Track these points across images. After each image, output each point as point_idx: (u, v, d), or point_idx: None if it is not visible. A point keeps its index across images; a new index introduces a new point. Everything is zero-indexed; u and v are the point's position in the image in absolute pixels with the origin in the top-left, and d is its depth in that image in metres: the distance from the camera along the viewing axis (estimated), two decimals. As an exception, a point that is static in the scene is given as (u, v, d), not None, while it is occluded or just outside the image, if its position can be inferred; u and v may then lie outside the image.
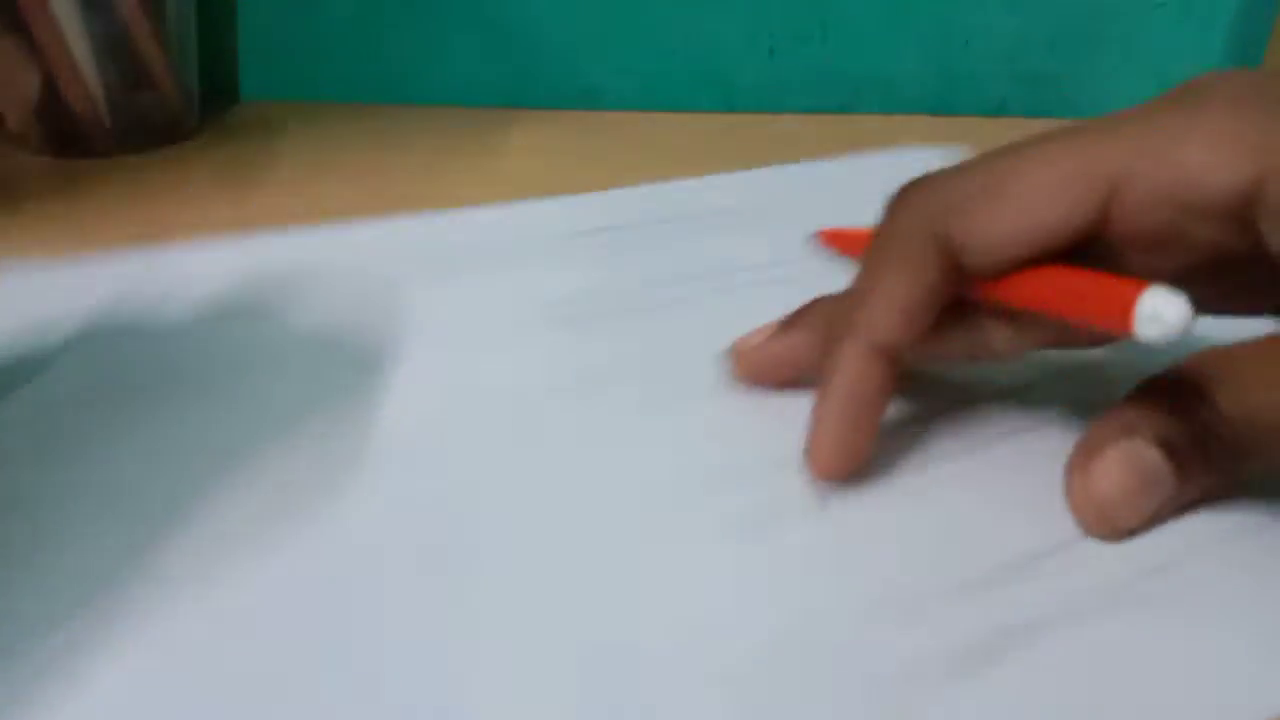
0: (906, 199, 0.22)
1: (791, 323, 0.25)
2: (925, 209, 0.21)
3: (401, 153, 0.42)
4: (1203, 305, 0.18)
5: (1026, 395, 0.25)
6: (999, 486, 0.22)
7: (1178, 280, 0.18)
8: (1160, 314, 0.17)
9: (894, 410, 0.24)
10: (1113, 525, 0.21)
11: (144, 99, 0.42)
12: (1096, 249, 0.20)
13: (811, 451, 0.22)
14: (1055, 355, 0.25)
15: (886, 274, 0.21)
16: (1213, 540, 0.20)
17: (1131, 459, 0.20)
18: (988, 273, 0.21)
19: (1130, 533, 0.21)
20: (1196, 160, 0.18)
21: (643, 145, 0.46)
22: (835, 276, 0.24)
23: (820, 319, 0.24)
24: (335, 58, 0.51)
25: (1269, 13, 0.49)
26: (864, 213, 0.24)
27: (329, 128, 0.44)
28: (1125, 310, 0.18)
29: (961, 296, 0.22)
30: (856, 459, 0.22)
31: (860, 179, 0.28)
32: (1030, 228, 0.20)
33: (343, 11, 0.50)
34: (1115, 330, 0.18)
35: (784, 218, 0.35)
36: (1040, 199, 0.20)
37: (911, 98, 0.51)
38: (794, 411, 0.22)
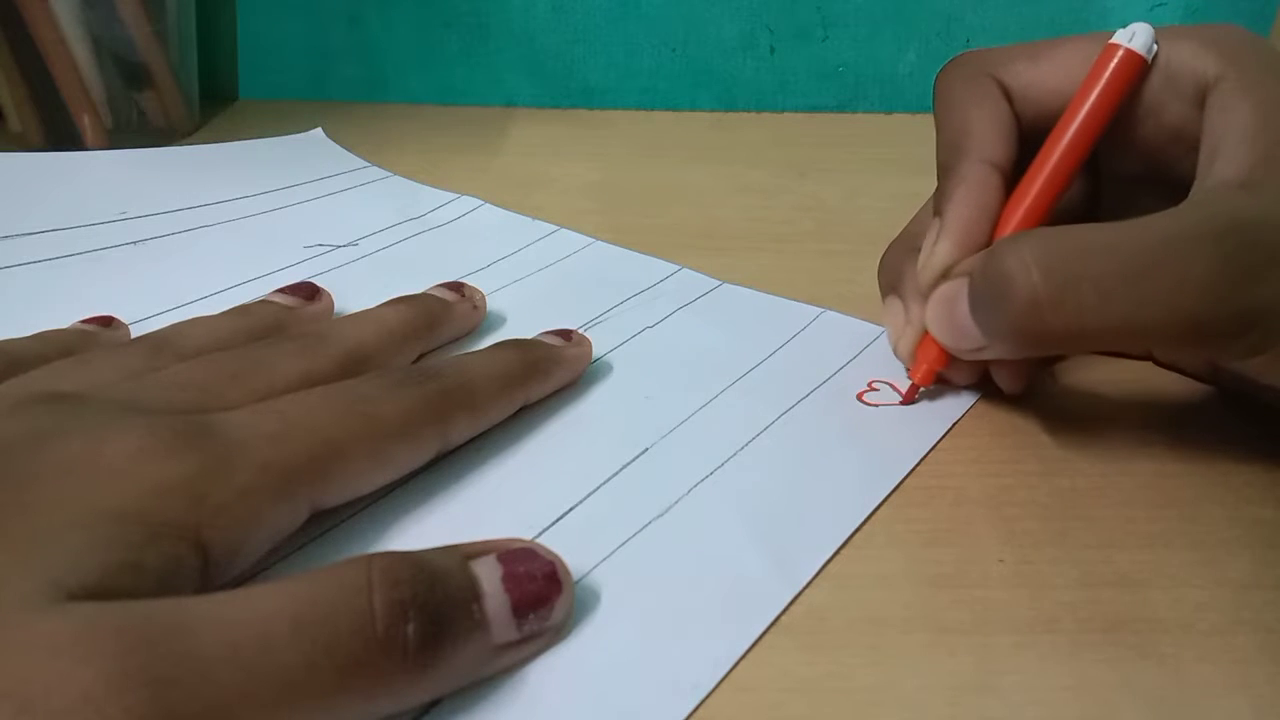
0: (958, 60, 0.26)
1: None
2: (976, 62, 0.25)
3: (399, 152, 0.42)
4: None
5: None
6: None
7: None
8: (1132, 31, 0.23)
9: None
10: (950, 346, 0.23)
11: (144, 99, 0.42)
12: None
13: (930, 255, 0.24)
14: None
15: (970, 111, 0.24)
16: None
17: (948, 297, 0.23)
18: (1025, 124, 0.24)
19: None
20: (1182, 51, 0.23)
21: (642, 144, 0.47)
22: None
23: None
24: (333, 57, 0.51)
25: (1268, 13, 0.49)
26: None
27: (327, 127, 0.44)
28: (1111, 49, 0.23)
29: None
30: (971, 249, 0.23)
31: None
32: (1067, 80, 0.24)
33: (340, 11, 0.50)
34: (1130, 73, 0.23)
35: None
36: (1074, 62, 0.24)
37: (911, 96, 0.52)
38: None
